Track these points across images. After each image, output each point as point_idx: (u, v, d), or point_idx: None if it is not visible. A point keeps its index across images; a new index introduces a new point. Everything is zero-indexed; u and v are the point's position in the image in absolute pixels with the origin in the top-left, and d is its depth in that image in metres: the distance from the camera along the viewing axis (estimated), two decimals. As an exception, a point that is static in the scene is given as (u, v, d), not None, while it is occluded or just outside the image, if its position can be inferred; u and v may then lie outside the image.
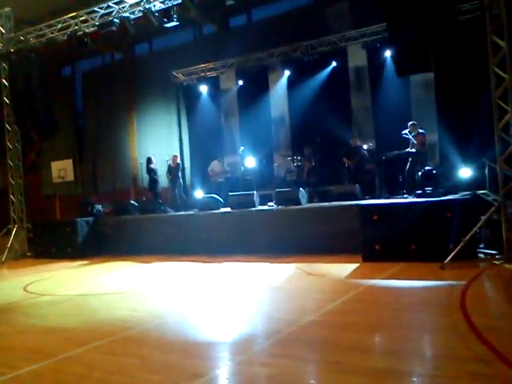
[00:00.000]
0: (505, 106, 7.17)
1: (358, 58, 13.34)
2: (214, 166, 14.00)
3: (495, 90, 7.23)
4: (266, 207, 10.63)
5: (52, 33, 12.16)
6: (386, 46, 12.17)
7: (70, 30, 11.82)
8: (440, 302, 5.28)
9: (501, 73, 7.18)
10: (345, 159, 11.92)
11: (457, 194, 8.52)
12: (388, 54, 12.44)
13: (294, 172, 12.67)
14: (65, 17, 11.91)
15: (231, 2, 10.12)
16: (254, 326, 4.96)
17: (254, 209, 10.42)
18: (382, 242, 7.73)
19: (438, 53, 7.78)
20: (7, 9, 12.92)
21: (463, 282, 5.89)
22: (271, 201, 10.78)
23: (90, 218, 12.47)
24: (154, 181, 13.55)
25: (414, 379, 3.33)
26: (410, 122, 10.59)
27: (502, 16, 7.15)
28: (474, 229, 7.01)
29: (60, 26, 11.99)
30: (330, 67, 13.67)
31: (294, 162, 12.73)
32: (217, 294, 6.62)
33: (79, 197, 18.21)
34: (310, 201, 10.90)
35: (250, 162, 13.23)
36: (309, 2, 15.19)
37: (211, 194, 11.82)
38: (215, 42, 15.83)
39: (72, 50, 17.28)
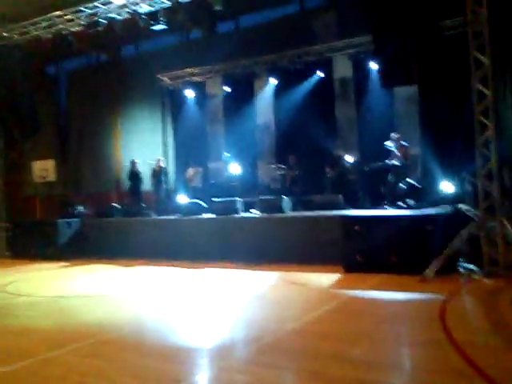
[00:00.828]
0: (486, 122, 7.29)
1: (343, 68, 13.46)
2: (189, 172, 14.00)
3: (477, 105, 7.34)
4: (249, 214, 10.63)
5: (36, 30, 11.99)
6: (372, 57, 12.30)
7: (55, 28, 11.68)
8: (420, 315, 5.33)
9: (483, 89, 7.31)
10: (328, 169, 12.00)
11: (438, 207, 8.63)
12: (373, 65, 12.57)
13: (278, 180, 12.72)
14: (50, 15, 11.74)
15: (219, 8, 10.16)
16: (235, 332, 4.95)
17: (237, 215, 10.42)
18: (363, 252, 7.78)
19: (422, 66, 7.91)
20: (-10, 5, 12.75)
21: (443, 296, 5.95)
22: (254, 208, 10.79)
23: (72, 219, 12.33)
24: (137, 184, 13.47)
25: (393, 390, 3.36)
26: (393, 135, 10.71)
27: (484, 33, 7.27)
28: (454, 243, 7.09)
29: (45, 23, 11.82)
30: (316, 77, 13.77)
31: (278, 170, 12.77)
32: (197, 299, 6.60)
33: (61, 198, 17.97)
34: (294, 209, 10.93)
35: (235, 168, 13.24)
36: (296, 11, 15.29)
37: (195, 199, 11.78)
38: (202, 47, 15.78)
39: (57, 49, 17.16)
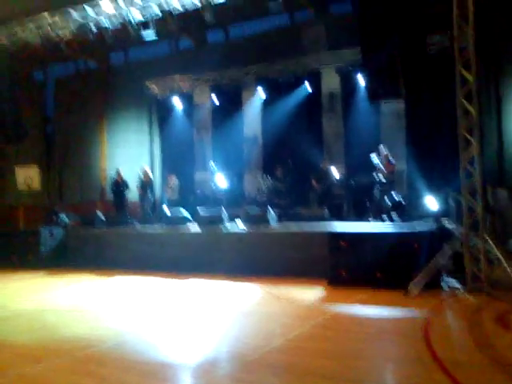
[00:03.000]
0: (470, 138, 7.34)
1: (331, 81, 13.55)
2: (171, 179, 13.90)
3: (462, 121, 7.40)
4: (234, 226, 10.60)
5: (24, 32, 11.81)
6: (359, 71, 12.40)
7: (43, 31, 11.53)
8: (404, 332, 5.32)
9: (467, 105, 7.36)
10: (313, 182, 12.03)
11: (422, 222, 8.68)
12: (361, 79, 12.67)
13: (264, 192, 12.71)
14: (38, 16, 11.55)
15: (210, 19, 10.19)
16: (219, 349, 4.89)
17: (222, 227, 10.37)
18: (348, 268, 7.79)
19: (409, 81, 7.98)
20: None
21: (426, 312, 5.97)
22: (240, 219, 10.75)
23: (55, 228, 12.16)
24: (121, 193, 13.36)
25: (376, 411, 3.33)
26: (382, 151, 10.79)
27: (470, 49, 7.33)
28: (437, 259, 7.12)
29: (32, 25, 11.65)
30: (304, 89, 13.83)
31: (264, 182, 12.76)
32: (181, 314, 6.51)
33: (45, 206, 17.75)
34: (279, 221, 10.92)
35: (221, 179, 13.21)
36: (286, 24, 15.39)
37: (180, 208, 11.71)
38: (191, 57, 15.81)
39: (45, 54, 17.00)
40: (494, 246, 6.91)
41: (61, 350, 4.78)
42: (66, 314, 6.70)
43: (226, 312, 6.54)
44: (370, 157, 10.56)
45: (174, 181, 13.82)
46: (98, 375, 4.08)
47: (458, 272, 7.55)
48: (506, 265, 6.62)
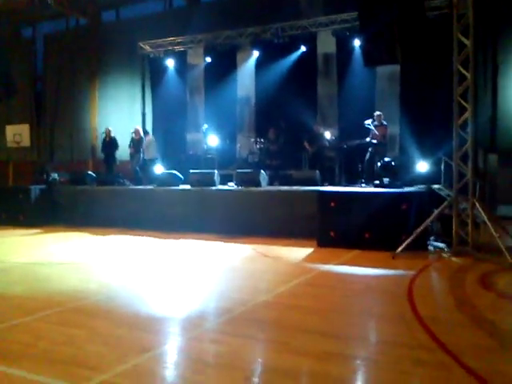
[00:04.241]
0: (465, 104, 7.35)
1: (327, 44, 13.35)
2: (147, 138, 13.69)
3: (457, 87, 7.39)
4: (225, 187, 10.62)
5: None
6: (356, 35, 12.23)
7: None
8: (388, 290, 5.44)
9: (464, 71, 7.35)
10: (306, 144, 12.01)
11: (413, 186, 8.75)
12: (357, 43, 12.51)
13: (256, 154, 12.68)
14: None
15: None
16: (206, 303, 4.98)
17: (213, 188, 10.40)
18: (337, 228, 7.89)
19: (406, 46, 7.87)
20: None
21: (412, 272, 6.09)
22: (231, 181, 10.77)
23: (45, 186, 12.13)
24: (111, 153, 13.29)
25: (358, 362, 3.44)
26: (376, 112, 10.76)
27: (469, 16, 7.29)
28: (427, 222, 7.22)
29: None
30: (299, 52, 13.63)
31: (256, 144, 12.72)
32: (170, 270, 6.61)
33: (34, 164, 17.66)
34: (271, 183, 10.96)
35: (213, 140, 13.14)
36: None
37: (171, 169, 11.69)
38: (185, 16, 15.47)
39: (33, 10, 16.56)
40: (481, 211, 7.01)
41: (52, 302, 4.85)
42: (58, 268, 6.78)
43: (215, 269, 6.63)
44: (363, 121, 10.52)
45: (142, 137, 13.40)
46: (88, 327, 4.15)
47: (444, 235, 7.68)
48: (492, 229, 6.73)
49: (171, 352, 3.70)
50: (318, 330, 4.04)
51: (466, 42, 7.32)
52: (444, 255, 7.26)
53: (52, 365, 3.32)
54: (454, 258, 7.03)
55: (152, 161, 13.08)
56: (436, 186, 8.01)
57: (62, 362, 3.38)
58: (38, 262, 7.26)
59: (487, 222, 6.84)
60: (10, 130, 18.46)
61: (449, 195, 7.57)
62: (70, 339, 3.83)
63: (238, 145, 13.96)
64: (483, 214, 6.96)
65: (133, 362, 3.37)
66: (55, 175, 12.85)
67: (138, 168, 13.12)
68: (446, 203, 7.30)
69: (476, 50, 7.50)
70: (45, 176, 12.70)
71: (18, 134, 18.23)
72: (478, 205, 7.08)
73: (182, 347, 3.79)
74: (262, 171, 10.35)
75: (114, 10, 18.51)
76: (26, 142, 18.38)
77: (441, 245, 7.72)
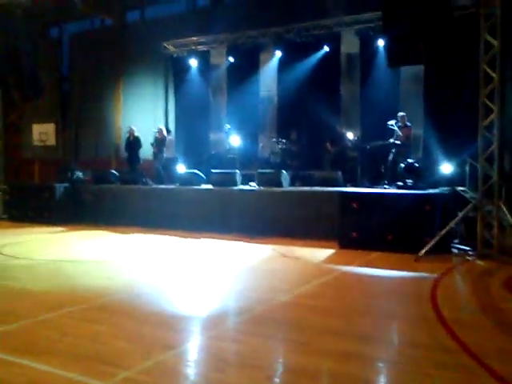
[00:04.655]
0: (491, 105, 7.25)
1: (350, 44, 13.26)
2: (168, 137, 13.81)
3: (483, 88, 7.29)
4: (247, 187, 10.64)
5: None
6: (380, 34, 12.13)
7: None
8: (411, 292, 5.40)
9: (490, 72, 7.24)
10: (328, 145, 11.96)
11: (437, 188, 8.65)
12: (381, 43, 12.40)
13: (278, 154, 12.66)
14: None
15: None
16: (227, 302, 5.01)
17: (235, 188, 10.44)
18: (359, 229, 7.84)
19: (430, 46, 7.78)
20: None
21: (435, 275, 6.02)
22: (253, 181, 10.80)
23: (69, 184, 12.32)
24: (135, 152, 13.44)
25: (380, 363, 3.43)
26: (400, 113, 10.67)
27: (497, 15, 7.17)
28: (450, 224, 7.14)
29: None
30: (322, 51, 13.57)
31: (278, 144, 12.72)
32: (192, 269, 6.66)
33: (59, 162, 17.94)
34: (292, 184, 10.94)
35: (235, 140, 13.18)
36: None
37: (194, 169, 11.77)
38: (208, 16, 15.56)
39: (60, 10, 16.83)
40: (507, 213, 6.90)
41: (78, 299, 4.94)
42: (83, 266, 6.89)
43: (236, 269, 6.66)
44: (386, 122, 10.43)
45: (165, 137, 13.60)
46: (112, 324, 4.21)
47: (469, 238, 7.58)
48: (518, 232, 6.63)
49: (193, 350, 3.74)
50: (339, 331, 4.03)
51: (494, 41, 7.21)
52: (468, 258, 7.16)
53: (76, 360, 3.38)
54: (478, 261, 6.93)
55: (173, 160, 13.18)
56: (460, 188, 7.91)
57: (87, 357, 3.43)
58: (64, 259, 7.39)
59: (513, 225, 6.74)
60: (37, 129, 18.83)
61: (473, 197, 7.46)
62: (94, 335, 3.90)
63: (260, 145, 13.97)
64: (509, 216, 6.85)
65: (155, 359, 3.41)
66: (79, 173, 13.04)
67: (160, 167, 13.24)
68: (470, 206, 7.20)
69: (503, 50, 7.38)
70: (69, 174, 12.89)
71: (44, 132, 18.59)
72: (503, 208, 6.97)
73: (204, 346, 3.83)
74: (283, 171, 10.34)
75: (139, 11, 18.70)
76: (51, 140, 18.73)
77: (465, 248, 7.61)
